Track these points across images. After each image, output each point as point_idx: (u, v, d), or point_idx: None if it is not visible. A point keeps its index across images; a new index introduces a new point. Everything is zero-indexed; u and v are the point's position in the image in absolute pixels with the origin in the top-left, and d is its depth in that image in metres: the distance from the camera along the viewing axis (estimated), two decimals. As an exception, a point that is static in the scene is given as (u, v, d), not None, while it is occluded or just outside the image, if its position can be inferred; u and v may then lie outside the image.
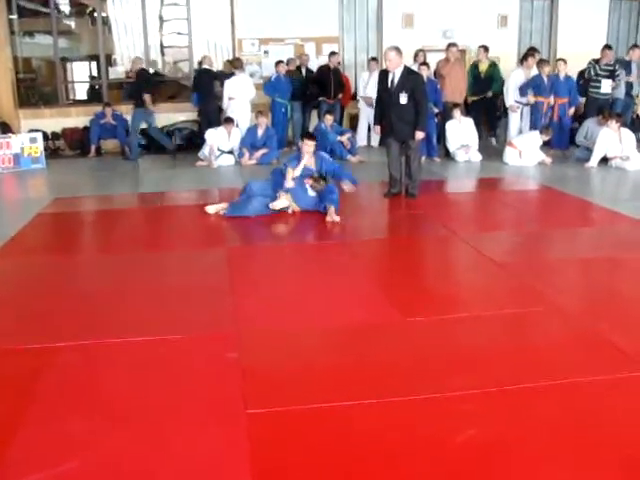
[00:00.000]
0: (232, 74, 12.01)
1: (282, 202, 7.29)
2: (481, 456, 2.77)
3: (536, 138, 10.47)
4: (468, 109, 12.08)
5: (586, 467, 2.70)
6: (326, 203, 7.14)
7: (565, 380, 3.41)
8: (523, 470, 2.68)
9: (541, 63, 11.27)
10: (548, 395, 3.27)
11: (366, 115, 12.64)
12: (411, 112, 8.00)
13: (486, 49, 12.33)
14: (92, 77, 15.11)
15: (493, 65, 12.25)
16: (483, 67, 12.30)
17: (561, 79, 11.16)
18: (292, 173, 7.43)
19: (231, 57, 13.48)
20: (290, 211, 7.33)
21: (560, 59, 11.40)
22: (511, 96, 11.37)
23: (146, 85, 11.71)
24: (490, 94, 12.11)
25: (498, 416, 3.10)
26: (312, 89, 12.52)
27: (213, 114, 11.92)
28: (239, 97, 11.84)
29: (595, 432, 2.95)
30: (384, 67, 8.40)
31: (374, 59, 12.64)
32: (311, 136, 7.93)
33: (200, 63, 12.40)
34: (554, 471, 2.67)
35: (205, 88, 11.99)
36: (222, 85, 11.98)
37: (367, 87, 12.39)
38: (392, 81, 7.99)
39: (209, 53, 13.21)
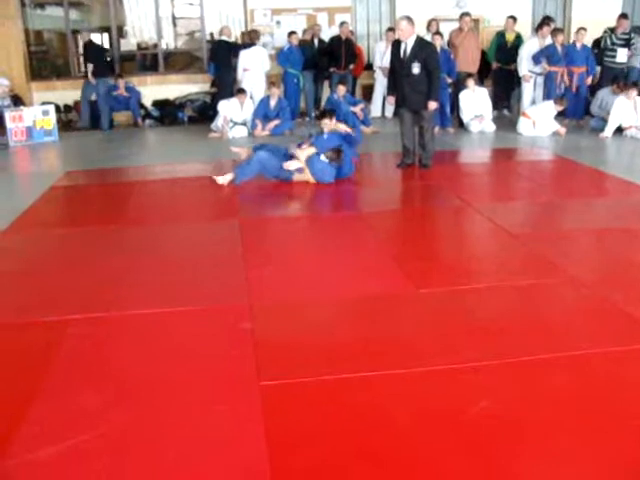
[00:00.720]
0: (250, 45, 11.96)
1: (296, 163, 7.28)
2: (494, 427, 2.78)
3: (550, 108, 10.37)
4: (488, 75, 12.09)
5: (600, 438, 2.70)
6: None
7: (579, 351, 3.40)
8: (536, 441, 2.67)
9: (555, 32, 11.14)
10: (562, 366, 3.27)
11: (382, 86, 12.55)
12: (424, 82, 7.93)
13: (514, 19, 12.29)
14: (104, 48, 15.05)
15: (519, 36, 12.14)
16: (510, 37, 12.25)
17: (578, 48, 11.03)
18: (302, 154, 7.40)
19: (243, 28, 13.42)
20: (303, 176, 7.34)
21: (581, 28, 11.26)
22: (524, 66, 11.26)
23: (88, 57, 12.36)
24: (514, 66, 11.96)
25: (511, 388, 3.09)
26: (322, 60, 12.45)
27: (229, 85, 11.87)
28: (254, 68, 11.79)
29: (610, 403, 2.94)
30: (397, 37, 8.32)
31: (391, 29, 12.50)
32: (325, 114, 7.89)
33: (219, 33, 12.34)
34: (567, 443, 2.67)
35: (222, 59, 11.95)
36: (235, 56, 11.94)
37: (384, 57, 12.30)
38: (405, 51, 7.93)
39: (221, 24, 13.13)
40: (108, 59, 13.02)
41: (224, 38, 12.02)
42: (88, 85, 12.20)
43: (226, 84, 11.89)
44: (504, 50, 12.20)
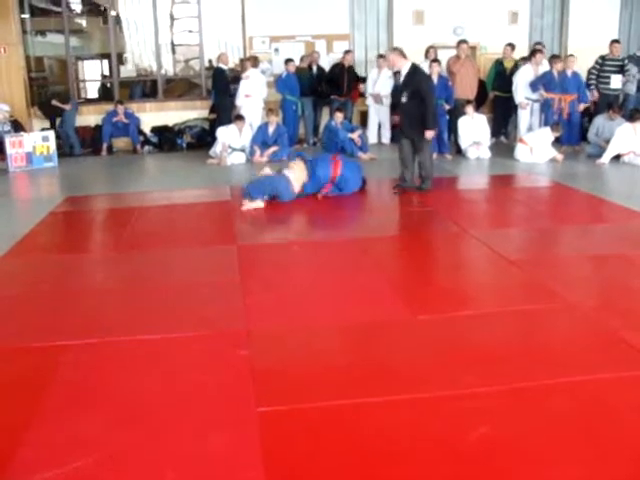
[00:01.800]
0: (239, 75, 12.15)
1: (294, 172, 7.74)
2: (494, 453, 2.77)
3: (547, 134, 10.42)
4: (484, 103, 12.22)
5: (600, 465, 2.69)
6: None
7: (578, 378, 3.40)
8: (536, 468, 2.67)
9: (553, 59, 11.22)
10: (561, 393, 3.26)
11: (376, 112, 12.68)
12: (415, 111, 8.04)
13: (513, 47, 12.45)
14: (104, 75, 15.16)
15: (517, 64, 12.19)
16: (508, 64, 12.36)
17: (569, 75, 11.10)
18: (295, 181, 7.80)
19: (242, 55, 13.52)
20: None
21: (570, 55, 11.34)
22: (520, 93, 11.31)
23: None
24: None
25: (510, 414, 3.09)
26: (324, 87, 12.54)
27: (228, 112, 11.93)
28: (253, 94, 11.91)
29: (608, 430, 2.93)
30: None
31: (381, 56, 12.61)
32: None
33: (217, 60, 12.45)
34: (567, 469, 2.66)
35: (220, 86, 12.06)
36: (234, 83, 12.03)
37: (376, 84, 12.42)
38: (399, 80, 8.10)
39: (220, 51, 13.23)
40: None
41: (221, 65, 12.10)
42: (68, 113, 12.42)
43: (225, 111, 11.95)
44: (502, 77, 12.28)
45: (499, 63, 12.56)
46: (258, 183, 7.62)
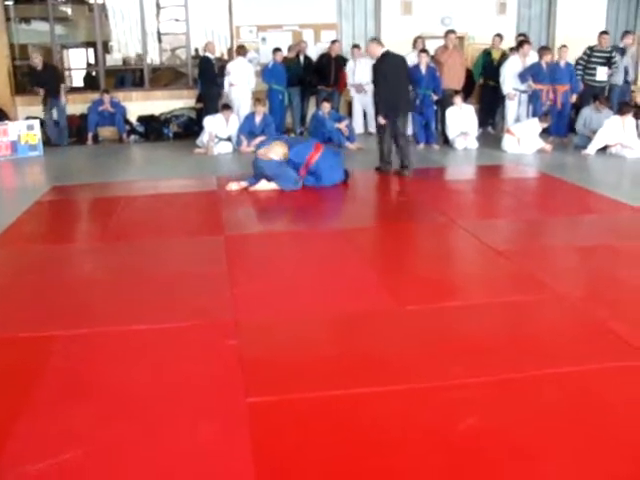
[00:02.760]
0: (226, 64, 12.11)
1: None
2: (482, 444, 2.77)
3: (535, 125, 10.43)
4: (472, 93, 12.28)
5: (587, 456, 2.69)
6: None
7: (566, 368, 3.40)
8: (524, 458, 2.67)
9: (543, 50, 11.22)
10: (549, 383, 3.27)
11: (359, 102, 12.61)
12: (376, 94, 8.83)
13: (501, 38, 12.49)
14: (89, 64, 15.06)
15: (505, 54, 12.23)
16: (496, 55, 12.38)
17: (562, 66, 11.12)
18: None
19: (229, 44, 13.47)
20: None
21: (563, 46, 11.35)
22: (508, 84, 11.32)
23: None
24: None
25: (499, 404, 3.09)
26: (312, 77, 12.50)
27: (214, 101, 11.89)
28: (240, 83, 11.85)
29: (596, 421, 2.94)
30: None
31: (356, 46, 12.54)
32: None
33: (204, 49, 12.41)
34: (555, 460, 2.66)
35: (207, 75, 12.00)
36: (221, 72, 11.99)
37: (355, 74, 12.36)
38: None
39: (206, 40, 13.17)
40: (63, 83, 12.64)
41: (208, 54, 12.04)
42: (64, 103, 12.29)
43: (211, 100, 11.90)
44: (490, 68, 12.29)
45: (487, 53, 12.57)
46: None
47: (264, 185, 7.78)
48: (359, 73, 12.25)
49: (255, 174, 7.96)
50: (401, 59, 8.80)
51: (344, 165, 8.23)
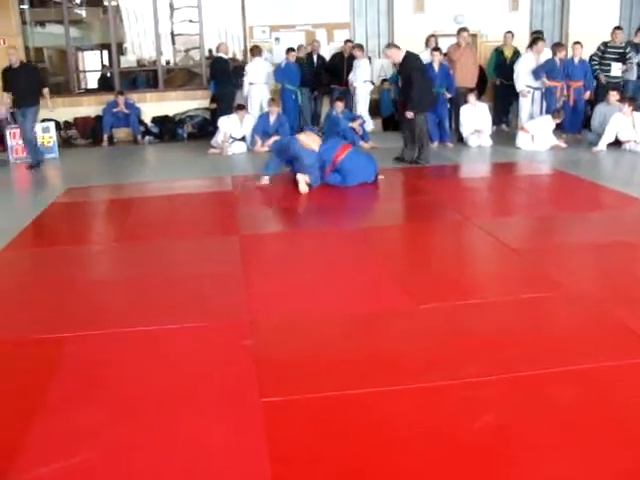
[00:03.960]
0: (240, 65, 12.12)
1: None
2: (497, 442, 2.77)
3: (548, 122, 10.40)
4: (485, 91, 12.25)
5: (603, 454, 2.69)
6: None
7: (581, 366, 3.40)
8: (540, 456, 2.67)
9: (556, 47, 11.17)
10: (564, 381, 3.26)
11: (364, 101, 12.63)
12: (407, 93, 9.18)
13: (512, 35, 12.43)
14: (104, 66, 15.14)
15: (517, 52, 12.18)
16: (508, 52, 12.34)
17: (576, 62, 11.07)
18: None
19: (242, 44, 13.50)
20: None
21: (576, 42, 11.30)
22: (521, 81, 11.26)
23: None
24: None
25: (515, 402, 3.09)
26: (324, 76, 12.51)
27: (229, 101, 11.91)
28: (259, 82, 12.00)
29: (613, 419, 2.93)
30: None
31: (358, 46, 12.53)
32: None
33: (216, 50, 12.42)
34: (571, 458, 2.66)
35: (221, 76, 12.01)
36: (237, 73, 12.05)
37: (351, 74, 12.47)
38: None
39: (220, 40, 13.20)
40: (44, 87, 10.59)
41: (221, 55, 12.07)
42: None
43: (225, 100, 11.92)
44: (503, 66, 12.26)
45: (499, 52, 12.52)
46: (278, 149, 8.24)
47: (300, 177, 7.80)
48: (359, 73, 12.32)
49: (279, 157, 8.26)
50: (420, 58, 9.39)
51: (375, 165, 8.23)
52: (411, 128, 9.27)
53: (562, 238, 6.01)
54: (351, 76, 12.38)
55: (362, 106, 12.52)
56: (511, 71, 11.59)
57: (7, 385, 3.43)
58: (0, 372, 3.59)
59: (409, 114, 9.08)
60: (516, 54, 12.06)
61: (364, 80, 12.38)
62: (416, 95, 8.98)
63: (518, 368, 3.38)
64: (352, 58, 12.50)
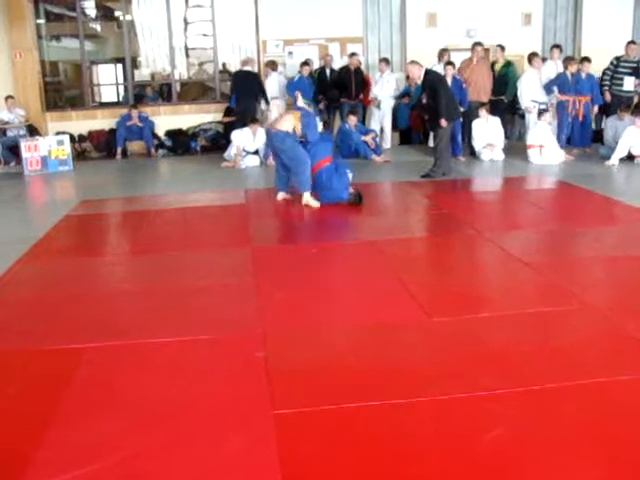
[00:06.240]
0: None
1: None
2: (508, 456, 2.77)
3: (544, 127, 10.43)
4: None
5: (615, 467, 2.68)
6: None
7: (595, 379, 3.39)
8: (551, 469, 2.67)
9: (568, 61, 11.18)
10: (577, 394, 3.26)
11: (377, 117, 12.69)
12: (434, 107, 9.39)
13: (502, 48, 12.10)
14: (118, 80, 15.25)
15: (507, 64, 11.92)
16: (497, 67, 12.03)
17: (583, 77, 11.07)
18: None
19: (255, 58, 13.55)
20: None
21: (584, 58, 11.29)
22: (525, 97, 11.26)
23: None
24: (505, 99, 11.80)
25: (526, 416, 3.08)
26: (333, 91, 12.53)
27: (251, 115, 11.93)
28: (280, 97, 12.16)
29: (626, 434, 2.92)
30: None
31: (385, 60, 12.62)
32: None
33: (242, 64, 12.52)
34: (582, 471, 2.66)
35: (245, 89, 12.09)
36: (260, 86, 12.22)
37: (381, 89, 12.53)
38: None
39: (234, 54, 13.29)
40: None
41: (248, 68, 12.15)
42: None
43: (248, 114, 11.87)
44: (495, 81, 11.78)
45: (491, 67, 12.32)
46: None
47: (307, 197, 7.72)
48: (379, 87, 12.38)
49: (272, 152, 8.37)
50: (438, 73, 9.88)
51: (348, 188, 7.73)
52: (444, 140, 9.57)
53: (574, 252, 6.01)
54: (376, 90, 12.43)
55: (387, 120, 12.62)
56: (501, 85, 11.55)
57: (23, 394, 3.45)
58: (16, 382, 3.61)
59: (443, 122, 9.29)
60: (506, 67, 11.85)
61: (390, 95, 12.44)
62: (444, 104, 9.27)
63: (531, 381, 3.38)
64: (358, 72, 12.52)
